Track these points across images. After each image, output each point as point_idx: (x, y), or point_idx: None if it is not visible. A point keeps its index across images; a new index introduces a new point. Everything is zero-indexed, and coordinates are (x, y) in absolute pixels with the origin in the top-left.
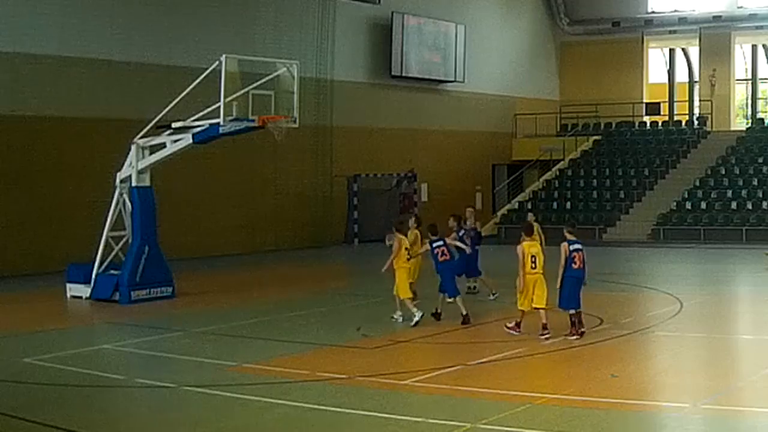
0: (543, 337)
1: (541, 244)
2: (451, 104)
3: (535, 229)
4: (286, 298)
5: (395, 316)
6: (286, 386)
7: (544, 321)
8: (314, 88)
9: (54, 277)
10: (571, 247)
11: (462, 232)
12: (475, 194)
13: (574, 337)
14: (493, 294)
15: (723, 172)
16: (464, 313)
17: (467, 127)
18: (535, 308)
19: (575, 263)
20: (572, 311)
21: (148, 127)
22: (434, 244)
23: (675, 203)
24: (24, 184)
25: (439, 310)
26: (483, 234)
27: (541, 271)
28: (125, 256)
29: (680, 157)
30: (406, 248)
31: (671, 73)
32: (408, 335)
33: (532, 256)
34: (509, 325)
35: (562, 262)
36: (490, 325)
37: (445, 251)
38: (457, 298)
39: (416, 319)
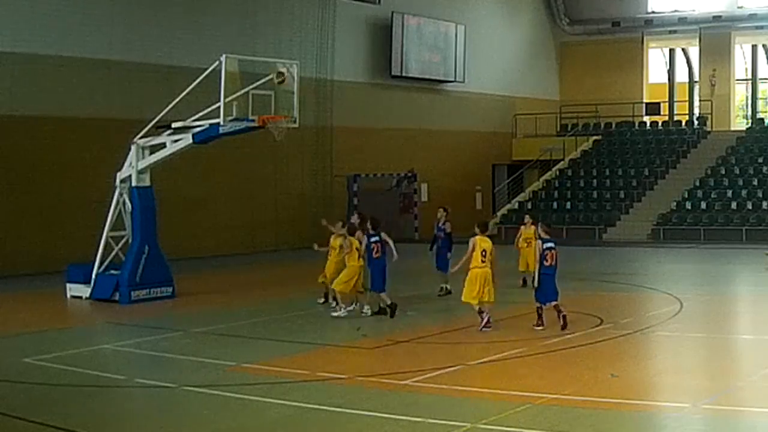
0: (487, 329)
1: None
2: (451, 104)
3: (532, 230)
4: (286, 298)
5: (364, 310)
6: (286, 386)
7: (486, 315)
8: (314, 88)
9: (54, 277)
10: (544, 246)
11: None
12: (475, 194)
13: (563, 329)
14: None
15: (723, 172)
16: (389, 303)
17: (467, 127)
18: (481, 302)
19: (547, 260)
20: (554, 303)
21: (148, 127)
22: (371, 239)
23: (675, 203)
24: (24, 184)
25: (386, 304)
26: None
27: (490, 266)
28: (125, 256)
29: (680, 157)
30: (357, 248)
31: (671, 73)
32: (408, 335)
33: (483, 250)
34: (481, 327)
35: (538, 258)
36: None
37: (379, 248)
38: (383, 294)
39: (339, 313)
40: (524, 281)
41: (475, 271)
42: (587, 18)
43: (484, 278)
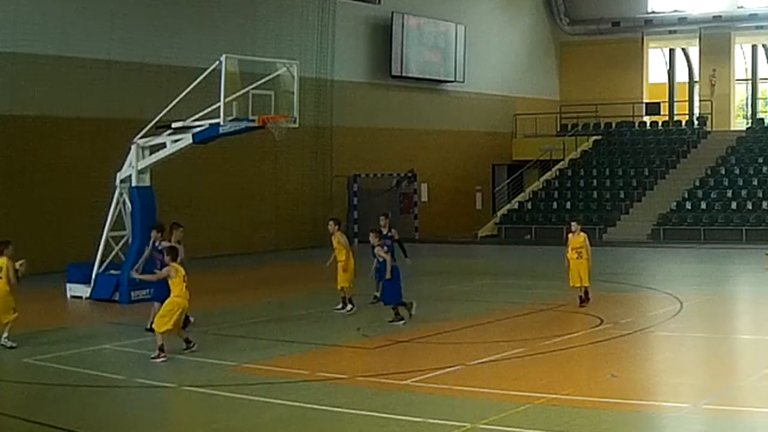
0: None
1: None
2: (451, 104)
3: (582, 238)
4: (286, 298)
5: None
6: (286, 386)
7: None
8: (314, 88)
9: (54, 277)
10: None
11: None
12: (475, 194)
13: (402, 322)
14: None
15: (723, 172)
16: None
17: (467, 127)
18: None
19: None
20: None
21: (148, 127)
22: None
23: (675, 203)
24: (24, 184)
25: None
26: (481, 235)
27: None
28: (125, 256)
29: (680, 157)
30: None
31: (671, 73)
32: (408, 335)
33: (184, 276)
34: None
35: (390, 254)
36: (489, 325)
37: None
38: None
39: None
40: (581, 298)
41: (179, 300)
42: (587, 18)
43: (181, 309)
